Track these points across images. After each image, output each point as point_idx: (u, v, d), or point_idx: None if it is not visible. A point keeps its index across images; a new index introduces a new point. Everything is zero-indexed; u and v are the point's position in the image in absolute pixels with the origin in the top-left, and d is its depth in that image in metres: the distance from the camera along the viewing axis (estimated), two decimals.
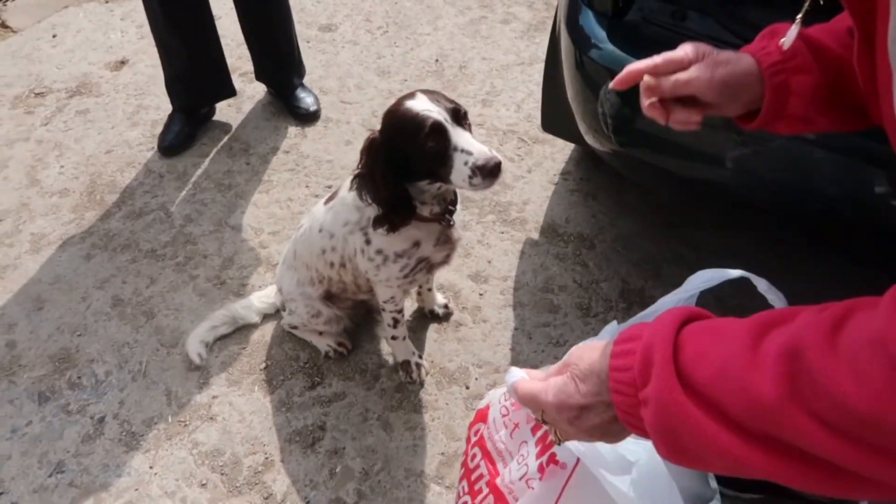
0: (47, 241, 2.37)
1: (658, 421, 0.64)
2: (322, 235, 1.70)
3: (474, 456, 1.28)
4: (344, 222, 1.62)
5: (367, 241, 1.57)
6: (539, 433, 1.18)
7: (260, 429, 1.84)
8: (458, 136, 1.32)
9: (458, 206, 1.60)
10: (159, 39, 2.57)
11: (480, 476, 1.25)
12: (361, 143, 2.71)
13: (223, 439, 1.82)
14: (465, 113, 1.39)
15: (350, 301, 1.92)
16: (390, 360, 1.98)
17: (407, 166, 1.38)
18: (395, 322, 1.81)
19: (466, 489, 1.28)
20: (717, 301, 1.44)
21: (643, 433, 0.67)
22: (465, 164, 1.30)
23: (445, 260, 1.67)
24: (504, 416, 1.30)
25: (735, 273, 1.03)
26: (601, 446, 1.03)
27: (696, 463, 0.65)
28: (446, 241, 1.60)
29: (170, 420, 1.87)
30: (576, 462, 1.06)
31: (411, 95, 1.38)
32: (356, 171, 1.46)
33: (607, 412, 0.70)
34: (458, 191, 1.56)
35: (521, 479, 1.17)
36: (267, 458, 1.78)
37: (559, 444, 0.85)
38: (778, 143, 1.48)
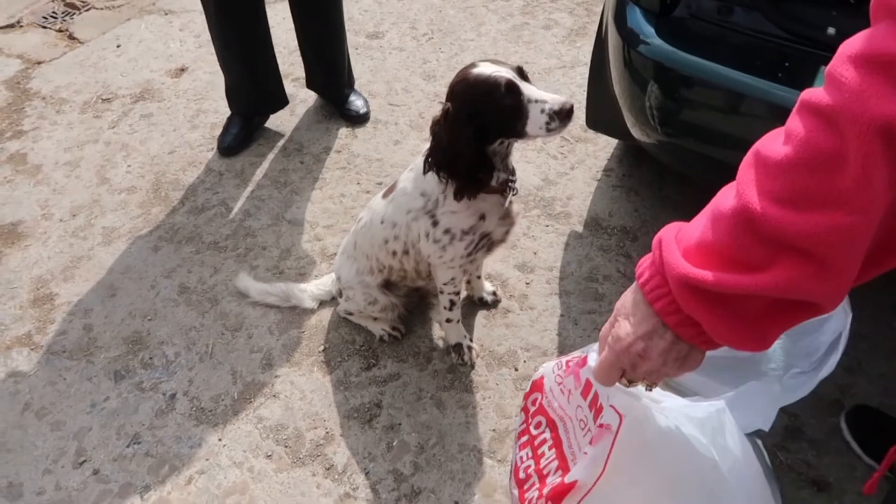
0: (118, 234, 2.53)
1: (692, 303, 0.66)
2: (384, 226, 1.80)
3: (539, 424, 1.35)
4: (407, 210, 1.71)
5: (435, 223, 1.66)
6: (589, 397, 1.25)
7: (320, 406, 1.95)
8: (528, 89, 1.45)
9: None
10: (218, 51, 2.73)
11: (544, 441, 1.33)
12: (409, 142, 2.81)
13: (286, 415, 1.93)
14: (526, 73, 1.51)
15: (406, 288, 2.02)
16: (441, 343, 2.08)
17: (482, 129, 1.48)
18: (452, 304, 1.90)
19: (530, 454, 1.35)
20: None
21: (697, 332, 0.69)
22: (542, 111, 1.43)
23: (504, 237, 1.76)
24: (559, 384, 1.37)
25: None
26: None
27: (750, 327, 0.67)
28: (506, 216, 1.70)
29: (235, 397, 1.99)
30: (619, 422, 1.12)
31: (474, 65, 1.49)
32: (427, 151, 1.56)
33: (667, 332, 0.72)
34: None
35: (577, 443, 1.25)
36: (327, 433, 1.88)
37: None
38: None
